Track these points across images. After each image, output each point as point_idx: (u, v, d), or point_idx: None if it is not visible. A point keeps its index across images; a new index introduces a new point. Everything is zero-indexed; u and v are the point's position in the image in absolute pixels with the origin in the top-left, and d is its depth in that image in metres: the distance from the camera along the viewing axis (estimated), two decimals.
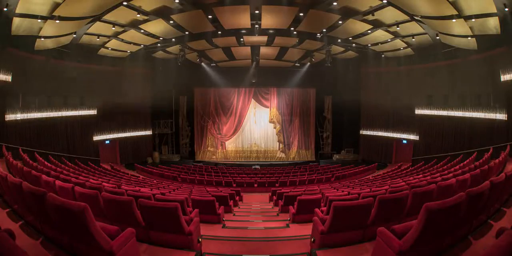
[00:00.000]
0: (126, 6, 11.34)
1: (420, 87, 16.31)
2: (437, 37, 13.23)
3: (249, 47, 16.87)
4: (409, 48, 15.66)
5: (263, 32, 14.40)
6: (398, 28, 13.26)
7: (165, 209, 3.11)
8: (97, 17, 11.90)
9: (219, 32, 14.31)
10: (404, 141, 17.58)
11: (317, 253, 3.38)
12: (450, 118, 14.56)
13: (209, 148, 21.05)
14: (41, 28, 11.43)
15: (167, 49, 17.12)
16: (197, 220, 3.88)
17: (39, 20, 10.85)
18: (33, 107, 13.61)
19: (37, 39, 12.12)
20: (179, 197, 5.17)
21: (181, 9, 12.21)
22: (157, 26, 13.55)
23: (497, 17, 10.25)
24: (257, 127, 21.22)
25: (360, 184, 9.58)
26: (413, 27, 13.04)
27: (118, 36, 14.34)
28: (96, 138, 16.93)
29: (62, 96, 15.17)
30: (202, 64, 18.65)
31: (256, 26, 13.44)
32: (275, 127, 21.12)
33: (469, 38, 11.96)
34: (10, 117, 12.37)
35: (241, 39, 15.59)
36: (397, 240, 2.30)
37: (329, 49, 16.27)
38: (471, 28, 11.30)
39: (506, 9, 9.68)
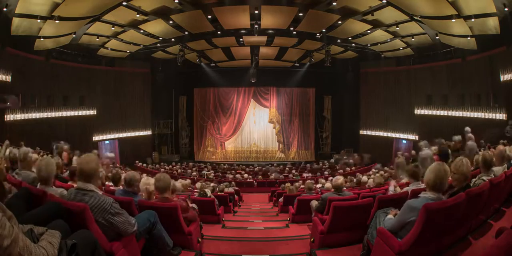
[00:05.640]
0: (126, 6, 11.35)
1: (420, 87, 16.32)
2: (437, 37, 13.24)
3: (249, 47, 16.89)
4: (409, 48, 15.67)
5: (262, 32, 14.41)
6: (397, 28, 13.28)
7: (165, 209, 3.11)
8: (96, 17, 11.90)
9: (219, 32, 14.32)
10: (404, 141, 17.58)
11: (317, 253, 3.38)
12: (449, 118, 14.56)
13: (208, 148, 21.04)
14: (40, 28, 11.43)
15: (167, 49, 17.13)
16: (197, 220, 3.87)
17: (39, 20, 10.85)
18: (33, 107, 13.60)
19: (37, 39, 12.12)
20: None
21: (180, 9, 12.23)
22: (156, 26, 13.55)
23: (496, 17, 10.27)
24: (256, 127, 21.20)
25: None
26: (413, 27, 13.06)
27: (118, 36, 14.34)
28: (96, 138, 16.91)
29: (62, 96, 15.16)
30: (202, 64, 18.64)
31: (256, 26, 13.45)
32: (274, 127, 21.11)
33: (469, 38, 11.97)
34: (9, 117, 12.36)
35: (241, 39, 15.60)
36: (397, 240, 2.30)
37: (328, 49, 16.28)
38: (470, 28, 11.32)
39: (506, 9, 9.70)
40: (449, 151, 6.98)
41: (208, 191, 6.20)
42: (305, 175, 14.56)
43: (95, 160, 2.32)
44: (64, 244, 1.68)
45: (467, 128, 8.18)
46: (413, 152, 9.63)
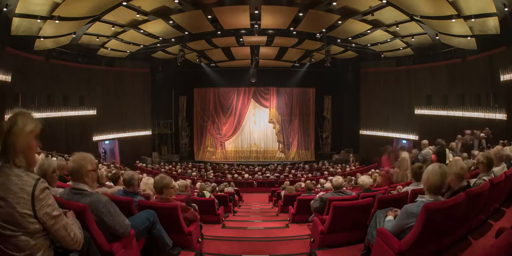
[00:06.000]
0: (126, 6, 11.35)
1: (420, 87, 16.32)
2: (437, 37, 13.24)
3: (249, 47, 16.89)
4: (409, 48, 15.67)
5: (262, 32, 14.41)
6: (397, 28, 13.28)
7: (165, 209, 3.11)
8: (96, 17, 11.90)
9: (219, 32, 14.32)
10: (404, 141, 17.57)
11: (317, 253, 3.38)
12: (449, 118, 14.56)
13: (208, 148, 21.03)
14: (40, 28, 11.43)
15: (167, 49, 17.13)
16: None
17: (39, 20, 10.85)
18: (33, 107, 13.57)
19: (37, 39, 12.12)
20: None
21: (180, 9, 12.23)
22: (156, 26, 13.55)
23: (496, 17, 10.26)
24: (256, 127, 21.19)
25: None
26: (413, 27, 13.06)
27: (118, 36, 14.34)
28: (96, 138, 16.90)
29: (62, 96, 15.15)
30: (202, 64, 18.63)
31: (256, 26, 13.45)
32: (274, 127, 21.10)
33: (469, 38, 11.97)
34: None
35: (241, 39, 15.60)
36: (397, 240, 2.30)
37: (328, 49, 16.28)
38: (470, 28, 11.32)
39: (506, 9, 9.70)
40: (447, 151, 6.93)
41: (206, 193, 6.20)
42: (305, 175, 14.56)
43: (85, 159, 2.28)
44: None
45: None
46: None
